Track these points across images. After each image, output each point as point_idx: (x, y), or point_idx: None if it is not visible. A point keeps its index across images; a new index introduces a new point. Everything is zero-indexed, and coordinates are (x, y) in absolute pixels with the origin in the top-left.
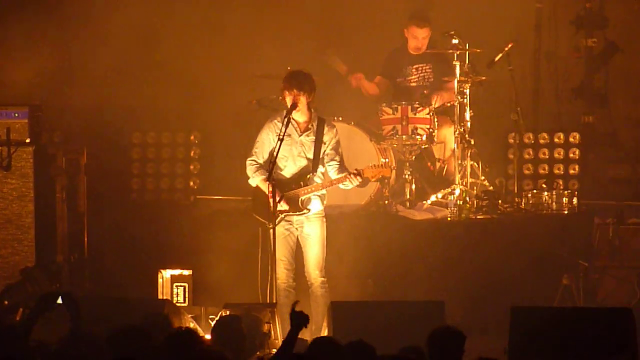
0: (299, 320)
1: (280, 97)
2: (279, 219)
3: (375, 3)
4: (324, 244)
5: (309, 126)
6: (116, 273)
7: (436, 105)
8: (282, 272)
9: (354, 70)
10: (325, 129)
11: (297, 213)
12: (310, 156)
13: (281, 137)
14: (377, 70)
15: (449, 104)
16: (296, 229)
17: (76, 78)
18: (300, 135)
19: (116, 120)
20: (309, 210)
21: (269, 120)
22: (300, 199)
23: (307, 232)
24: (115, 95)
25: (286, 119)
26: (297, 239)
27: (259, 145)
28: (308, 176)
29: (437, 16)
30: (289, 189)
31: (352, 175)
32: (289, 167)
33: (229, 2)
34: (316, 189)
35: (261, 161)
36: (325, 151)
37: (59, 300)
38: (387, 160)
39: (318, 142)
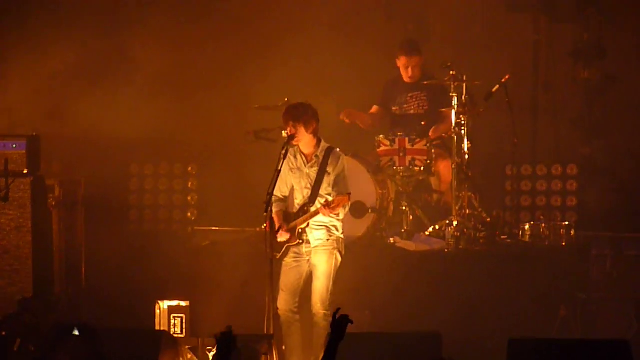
0: (340, 328)
1: (279, 128)
2: (283, 250)
3: (369, 34)
4: (330, 277)
5: (314, 157)
6: (114, 304)
7: (432, 137)
8: (282, 302)
9: (342, 107)
10: (330, 158)
11: (293, 244)
12: (312, 187)
13: (278, 168)
14: (374, 101)
15: (445, 135)
16: (307, 260)
17: (73, 109)
18: (306, 167)
19: (114, 152)
20: (302, 241)
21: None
22: (297, 230)
23: (313, 263)
24: (113, 126)
25: (284, 151)
26: (306, 273)
27: (278, 181)
28: (306, 208)
29: (434, 47)
30: (294, 220)
31: (321, 207)
32: (298, 200)
33: (226, 34)
34: (306, 220)
35: (280, 195)
36: (329, 183)
37: (76, 332)
38: (346, 194)
39: (320, 173)
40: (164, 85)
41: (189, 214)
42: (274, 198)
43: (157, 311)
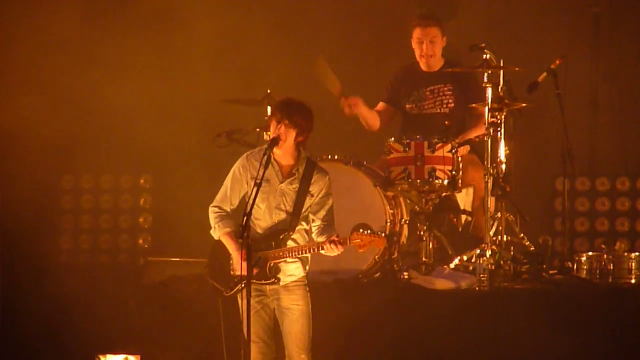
0: None
1: (258, 129)
2: (241, 286)
3: (376, 11)
4: (310, 320)
5: (294, 171)
6: None
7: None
8: (258, 355)
9: (349, 93)
10: (315, 176)
11: (263, 282)
12: (290, 210)
13: (258, 180)
14: (379, 96)
15: (477, 139)
16: (272, 300)
17: None
18: (281, 182)
19: (40, 160)
20: (278, 280)
21: (242, 157)
22: (268, 265)
23: (285, 305)
24: (39, 128)
25: (266, 157)
26: (274, 312)
27: (227, 189)
28: (281, 236)
29: (463, 24)
30: (258, 249)
31: (331, 244)
32: (262, 221)
33: (191, 4)
34: (288, 254)
35: (228, 209)
36: (310, 205)
37: None
38: (381, 233)
39: (302, 193)
40: (105, 74)
41: (141, 241)
42: (221, 212)
43: None
